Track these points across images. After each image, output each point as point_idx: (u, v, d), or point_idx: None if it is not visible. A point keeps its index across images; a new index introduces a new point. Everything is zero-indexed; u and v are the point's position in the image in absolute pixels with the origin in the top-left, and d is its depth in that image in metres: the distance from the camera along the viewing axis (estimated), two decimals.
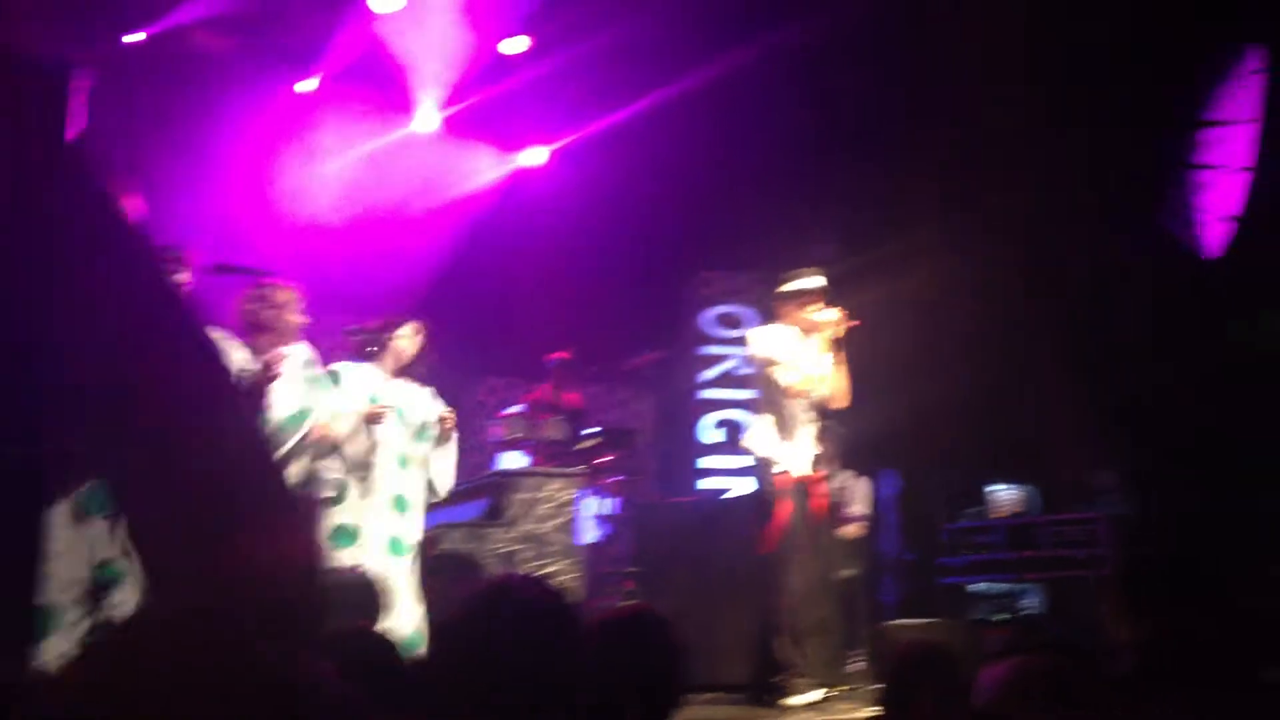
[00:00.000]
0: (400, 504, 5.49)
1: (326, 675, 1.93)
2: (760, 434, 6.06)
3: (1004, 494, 9.00)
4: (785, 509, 5.84)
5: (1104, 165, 9.73)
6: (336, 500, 5.28)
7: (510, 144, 10.26)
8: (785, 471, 5.92)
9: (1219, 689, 2.80)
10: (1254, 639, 3.23)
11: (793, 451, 6.01)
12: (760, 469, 6.00)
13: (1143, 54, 9.47)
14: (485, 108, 9.81)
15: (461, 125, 9.90)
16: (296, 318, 5.18)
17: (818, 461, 6.12)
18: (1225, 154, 9.86)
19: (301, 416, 5.21)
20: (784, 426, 6.02)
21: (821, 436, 6.23)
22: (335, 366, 5.44)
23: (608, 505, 8.19)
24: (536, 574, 5.68)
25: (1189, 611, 3.32)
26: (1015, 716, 2.41)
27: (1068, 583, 8.28)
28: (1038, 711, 2.40)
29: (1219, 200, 9.87)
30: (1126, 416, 9.82)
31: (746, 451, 6.17)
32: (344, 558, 5.14)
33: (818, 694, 5.71)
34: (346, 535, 5.33)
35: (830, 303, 6.10)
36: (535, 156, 10.26)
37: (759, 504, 5.94)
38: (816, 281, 6.10)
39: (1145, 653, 3.39)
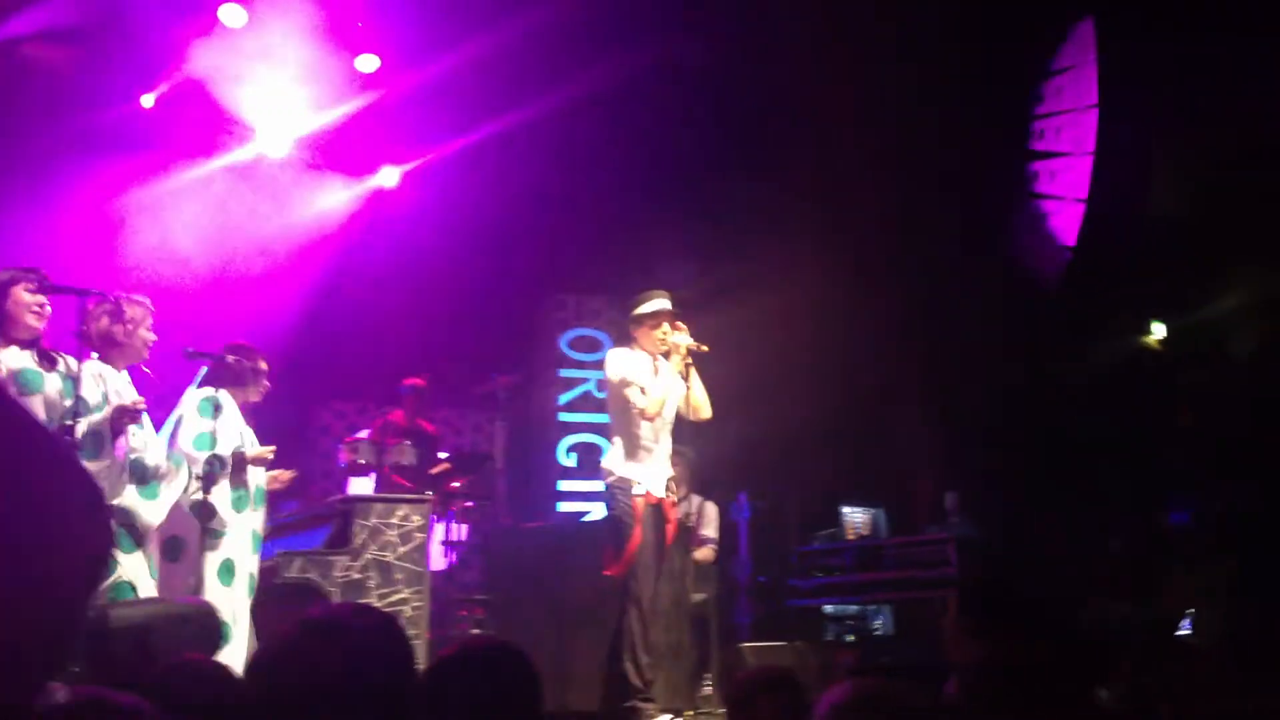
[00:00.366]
0: (256, 539, 5.44)
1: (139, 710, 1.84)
2: (615, 456, 6.07)
3: (854, 516, 9.16)
4: (639, 532, 5.84)
5: (951, 193, 10.03)
6: (221, 534, 5.24)
7: (362, 165, 10.10)
8: (645, 493, 5.93)
9: (1051, 710, 2.86)
10: (1085, 661, 3.33)
11: (646, 474, 6.02)
12: (614, 492, 5.99)
13: (984, 78, 9.80)
14: (335, 128, 9.65)
15: (311, 145, 9.72)
16: (148, 334, 5.10)
17: (670, 485, 6.13)
18: (1064, 185, 10.24)
19: (208, 442, 5.25)
20: (637, 449, 6.03)
21: (673, 460, 6.26)
22: (212, 393, 5.45)
23: (458, 531, 8.11)
24: (382, 603, 5.60)
25: (1023, 633, 3.40)
26: None
27: (916, 604, 8.44)
28: None
29: (1058, 230, 10.24)
30: (974, 440, 10.11)
31: (602, 474, 6.15)
32: (221, 596, 5.07)
33: (666, 719, 5.71)
34: (227, 572, 5.23)
35: (680, 325, 6.14)
36: (387, 178, 10.11)
37: (613, 527, 5.92)
38: (661, 304, 6.15)
39: (980, 674, 3.47)
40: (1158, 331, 11.30)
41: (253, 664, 1.88)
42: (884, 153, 9.88)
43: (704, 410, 6.22)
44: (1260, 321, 10.17)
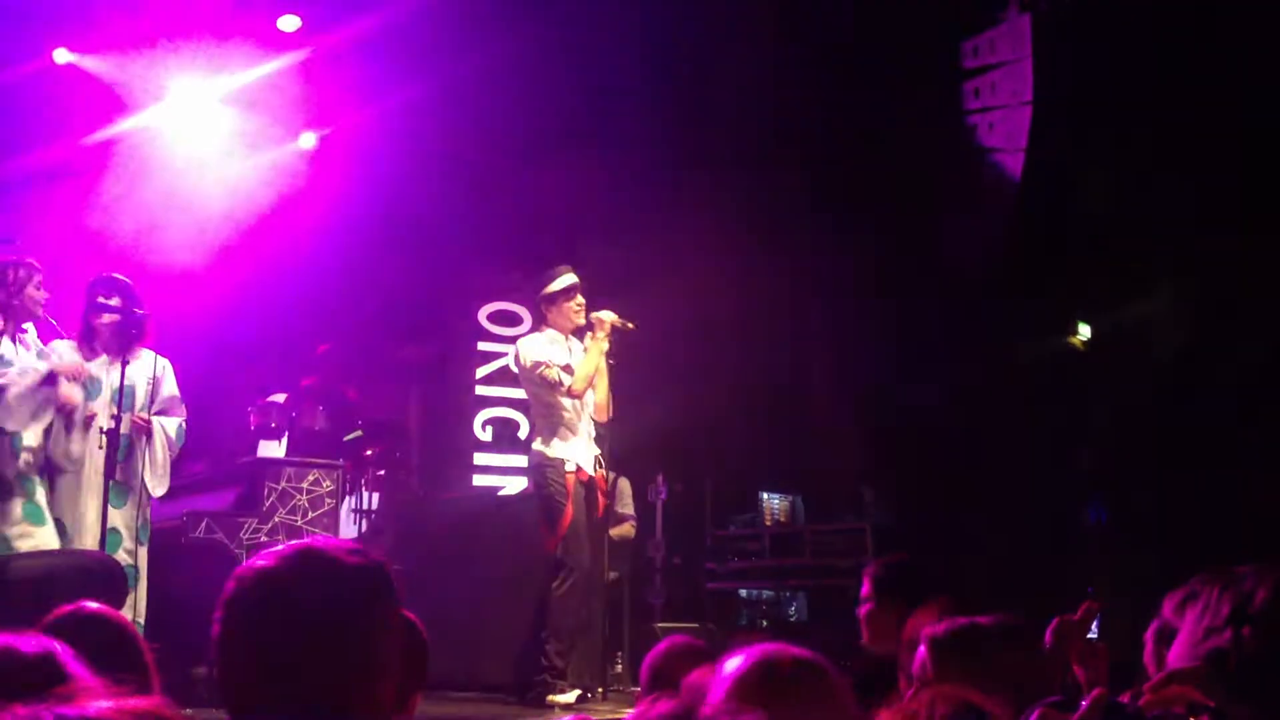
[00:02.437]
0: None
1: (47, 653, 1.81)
2: (541, 438, 6.13)
3: (772, 502, 9.29)
4: (570, 510, 5.92)
5: (877, 178, 10.19)
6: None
7: (281, 129, 9.99)
8: (576, 469, 6.01)
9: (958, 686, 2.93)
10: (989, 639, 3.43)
11: (574, 452, 6.10)
12: (546, 471, 6.06)
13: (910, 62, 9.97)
14: (254, 90, 9.56)
15: (229, 106, 9.60)
16: (36, 293, 5.05)
17: (599, 461, 6.22)
18: (994, 175, 10.44)
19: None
20: (562, 428, 6.10)
21: (595, 436, 6.34)
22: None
23: (369, 500, 8.10)
24: None
25: (930, 617, 3.51)
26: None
27: (831, 591, 8.60)
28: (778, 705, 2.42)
29: (987, 220, 10.44)
30: (894, 431, 10.29)
31: (528, 450, 6.22)
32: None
33: (573, 695, 5.79)
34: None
35: (597, 302, 6.22)
36: (305, 141, 10.02)
37: (546, 506, 5.99)
38: (570, 279, 6.22)
39: (887, 648, 3.58)
40: (1083, 332, 11.59)
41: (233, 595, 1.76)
42: (810, 138, 10.04)
43: (604, 411, 6.27)
44: (1185, 323, 10.47)
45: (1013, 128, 10.29)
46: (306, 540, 1.79)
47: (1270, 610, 1.69)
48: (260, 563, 1.74)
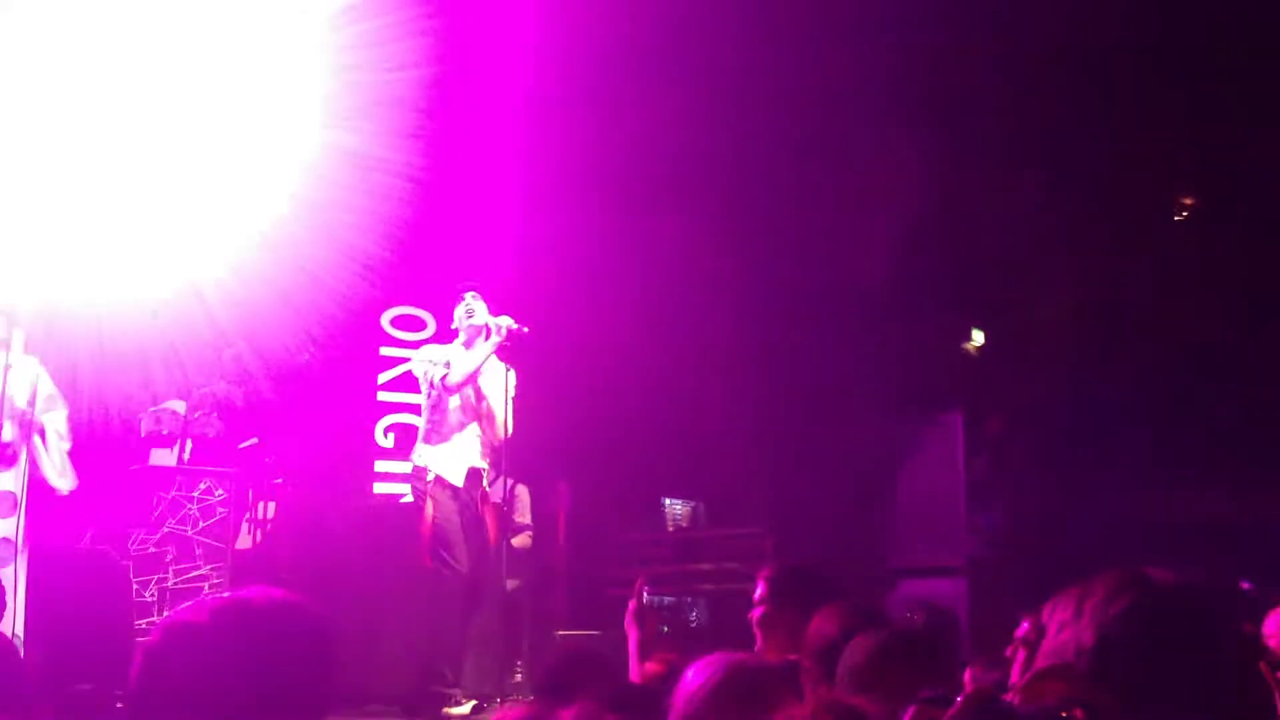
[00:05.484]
0: None
1: None
2: (418, 442, 6.09)
3: (675, 508, 9.33)
4: (432, 518, 5.87)
5: (776, 191, 10.30)
6: None
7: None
8: (436, 478, 5.96)
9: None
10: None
11: (443, 460, 6.04)
12: (414, 479, 6.03)
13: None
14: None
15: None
16: None
17: (477, 474, 6.16)
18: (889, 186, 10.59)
19: None
20: (437, 434, 6.06)
21: (484, 447, 6.29)
22: None
23: (266, 508, 7.98)
24: (179, 579, 5.49)
25: (829, 616, 3.54)
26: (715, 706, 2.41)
27: (732, 596, 8.65)
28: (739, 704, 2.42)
29: (883, 229, 10.59)
30: (793, 437, 10.40)
31: (414, 457, 6.17)
32: None
33: (468, 706, 5.75)
34: None
35: (498, 311, 6.20)
36: None
37: (416, 514, 5.96)
38: (480, 308, 6.20)
39: (781, 651, 3.61)
40: (977, 338, 11.82)
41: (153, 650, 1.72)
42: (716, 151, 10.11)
43: (500, 429, 6.23)
44: (1073, 328, 10.72)
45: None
46: (238, 594, 1.78)
47: (1127, 604, 1.75)
48: (191, 617, 1.73)
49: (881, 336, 10.73)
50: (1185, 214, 11.12)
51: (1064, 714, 1.73)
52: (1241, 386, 10.06)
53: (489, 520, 6.15)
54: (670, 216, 9.94)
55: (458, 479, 6.02)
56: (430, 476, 5.95)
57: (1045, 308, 10.88)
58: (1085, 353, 10.59)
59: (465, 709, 5.71)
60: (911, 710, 1.79)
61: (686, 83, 9.56)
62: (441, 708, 5.70)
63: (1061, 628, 1.81)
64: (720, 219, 10.22)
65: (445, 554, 5.83)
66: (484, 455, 6.24)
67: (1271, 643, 4.10)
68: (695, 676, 2.43)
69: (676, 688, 2.46)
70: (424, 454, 6.02)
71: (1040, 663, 1.80)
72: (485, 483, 6.19)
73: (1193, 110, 9.71)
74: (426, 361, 6.09)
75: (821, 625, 3.36)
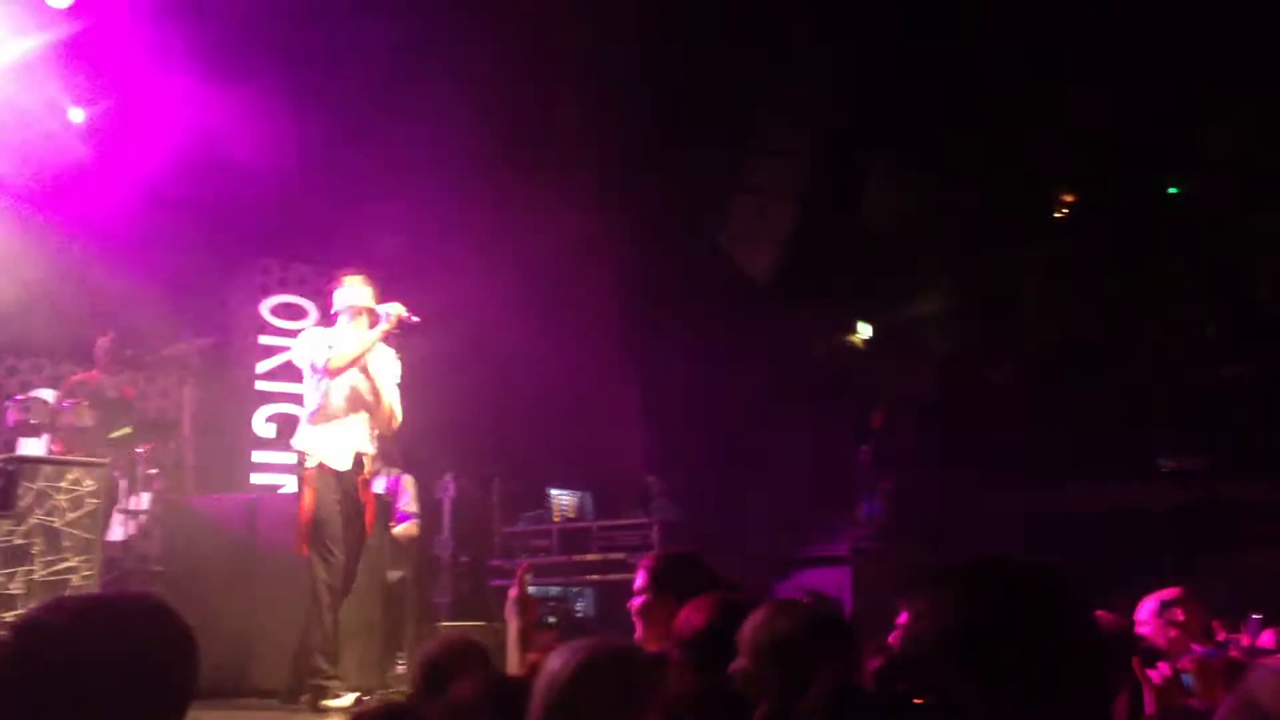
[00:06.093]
0: None
1: None
2: (301, 427, 6.04)
3: (561, 499, 9.37)
4: (312, 504, 5.83)
5: (667, 181, 10.39)
6: None
7: (48, 104, 9.56)
8: (319, 464, 5.91)
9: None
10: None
11: (325, 445, 6.00)
12: (298, 465, 5.98)
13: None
14: (18, 63, 9.15)
15: None
16: None
17: (363, 457, 6.13)
18: (777, 182, 10.76)
19: None
20: (321, 419, 6.01)
21: (370, 433, 6.25)
22: None
23: (139, 500, 7.84)
24: (46, 571, 5.39)
25: (702, 610, 3.60)
26: (569, 697, 2.42)
27: (618, 586, 8.72)
28: (606, 692, 2.44)
29: (772, 225, 10.75)
30: (678, 426, 10.52)
31: (295, 446, 6.11)
32: None
33: (350, 698, 5.72)
34: None
35: (385, 298, 6.16)
36: (74, 116, 9.61)
37: (295, 502, 5.91)
38: (365, 291, 6.15)
39: (659, 640, 3.66)
40: (863, 331, 12.06)
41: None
42: (606, 136, 10.16)
43: (387, 421, 6.22)
44: (957, 323, 11.00)
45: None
46: (96, 594, 1.81)
47: (984, 592, 1.82)
48: (40, 617, 1.74)
49: (770, 327, 10.90)
50: (1064, 211, 11.45)
51: (916, 700, 1.81)
52: (1109, 385, 10.42)
53: (368, 508, 6.12)
54: (557, 206, 9.97)
55: (342, 464, 5.98)
56: (312, 462, 5.90)
57: (929, 302, 11.14)
58: (966, 347, 10.87)
59: (347, 700, 5.68)
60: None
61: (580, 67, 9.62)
62: (320, 700, 5.66)
63: (920, 617, 1.89)
64: (609, 206, 10.28)
65: (324, 543, 5.79)
66: (371, 442, 6.21)
67: (1142, 630, 4.24)
68: (557, 661, 2.46)
69: (540, 674, 2.48)
70: (306, 439, 5.96)
71: (901, 650, 1.87)
72: (366, 469, 6.15)
73: (1070, 107, 10.02)
74: (309, 345, 6.03)
75: (690, 615, 3.41)
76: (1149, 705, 3.08)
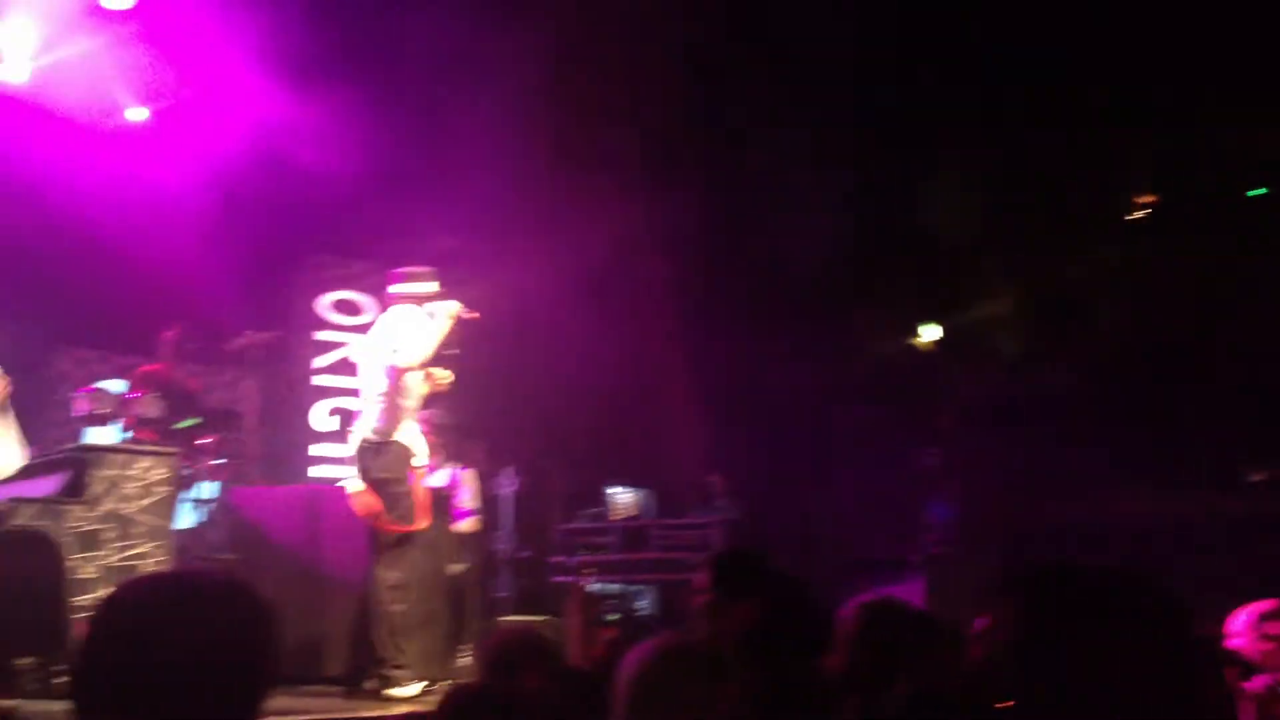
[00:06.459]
0: None
1: None
2: (386, 422, 6.13)
3: (620, 497, 9.43)
4: (374, 498, 5.95)
5: (715, 181, 10.40)
6: None
7: (110, 104, 9.78)
8: (388, 460, 6.03)
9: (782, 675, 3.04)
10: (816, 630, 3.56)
11: (413, 442, 6.13)
12: (385, 458, 6.07)
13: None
14: (83, 62, 9.37)
15: (53, 80, 9.36)
16: None
17: (424, 453, 6.25)
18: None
19: None
20: (394, 417, 6.12)
21: (432, 428, 6.38)
22: None
23: (206, 489, 8.00)
24: (119, 556, 5.52)
25: (767, 602, 3.63)
26: (652, 692, 2.48)
27: (679, 585, 8.76)
28: (668, 687, 2.49)
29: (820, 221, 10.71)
30: (740, 427, 10.53)
31: (354, 440, 6.22)
32: None
33: (417, 688, 5.82)
34: None
35: (446, 296, 6.25)
36: (136, 114, 9.83)
37: (385, 493, 6.01)
38: (430, 286, 6.25)
39: (727, 639, 3.69)
40: (930, 334, 11.99)
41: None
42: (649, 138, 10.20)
43: (441, 384, 6.35)
44: (1026, 325, 10.91)
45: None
46: (182, 571, 1.82)
47: (1050, 601, 1.83)
48: (135, 593, 1.77)
49: (834, 327, 10.88)
50: (1143, 213, 11.31)
51: (997, 705, 1.82)
52: (1193, 388, 10.26)
53: (426, 502, 6.23)
54: (615, 203, 10.01)
55: (420, 460, 6.13)
56: (416, 462, 6.05)
57: (999, 304, 11.07)
58: (1037, 349, 10.77)
59: (414, 690, 5.78)
60: None
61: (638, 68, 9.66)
62: (385, 688, 5.77)
63: (996, 624, 1.90)
64: (667, 204, 10.30)
65: (388, 534, 5.92)
66: (427, 438, 6.35)
67: (1234, 642, 4.18)
68: (633, 658, 2.51)
69: (618, 671, 2.53)
70: (373, 435, 6.07)
71: (979, 657, 1.89)
72: (424, 459, 6.28)
73: (1152, 108, 9.90)
74: (375, 342, 6.13)
75: (745, 612, 3.44)
76: (1245, 717, 3.04)
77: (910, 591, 8.22)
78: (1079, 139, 10.17)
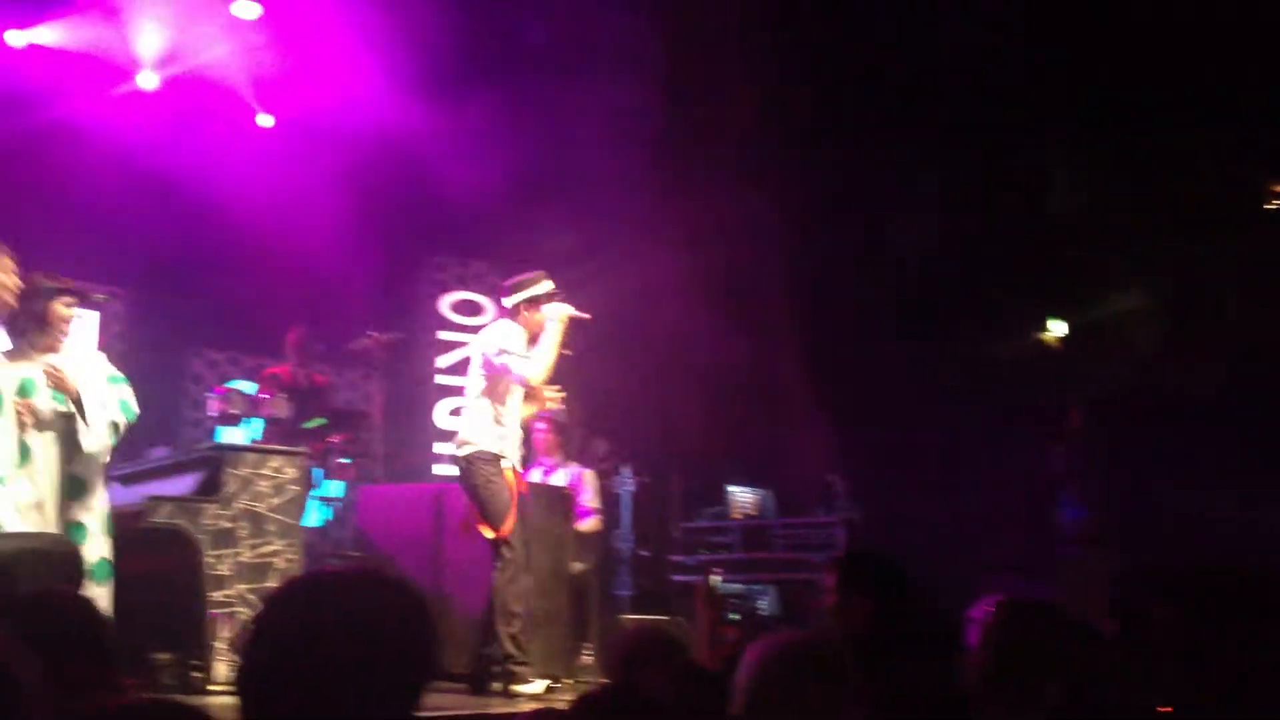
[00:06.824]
0: None
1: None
2: (480, 426, 6.23)
3: (741, 495, 9.42)
4: (490, 496, 6.05)
5: (836, 173, 10.32)
6: None
7: (240, 109, 10.07)
8: (496, 458, 6.13)
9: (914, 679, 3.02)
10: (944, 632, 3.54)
11: (509, 447, 6.25)
12: (480, 463, 6.18)
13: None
14: (211, 71, 9.69)
15: (186, 86, 9.68)
16: (6, 279, 4.96)
17: (515, 457, 6.35)
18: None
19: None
20: (502, 421, 6.22)
21: (553, 427, 6.48)
22: None
23: (332, 488, 8.19)
24: (253, 553, 5.68)
25: (892, 604, 3.62)
26: (773, 689, 2.49)
27: (801, 585, 8.73)
28: (789, 684, 2.51)
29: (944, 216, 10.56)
30: (863, 426, 10.44)
31: (458, 443, 6.35)
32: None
33: (541, 685, 5.91)
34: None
35: (561, 297, 6.32)
36: (261, 120, 10.12)
37: (487, 495, 6.12)
38: (545, 286, 6.33)
39: (855, 640, 3.69)
40: (1056, 328, 11.77)
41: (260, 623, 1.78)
42: (770, 139, 10.16)
43: (541, 387, 6.42)
44: (1162, 321, 10.65)
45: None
46: (344, 568, 1.83)
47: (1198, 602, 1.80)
48: (291, 589, 1.84)
49: (955, 322, 10.74)
50: (1277, 202, 10.97)
51: (1161, 710, 1.80)
52: None
53: (529, 499, 6.34)
54: (730, 197, 9.99)
55: (518, 464, 6.27)
56: (507, 465, 6.14)
57: (1129, 298, 10.83)
58: (1169, 345, 10.51)
59: (537, 687, 5.87)
60: None
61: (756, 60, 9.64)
62: (510, 685, 5.87)
63: (1153, 626, 1.87)
64: (784, 198, 10.26)
65: (514, 536, 6.02)
66: (548, 437, 6.45)
67: None
68: (752, 657, 2.53)
69: (739, 667, 2.55)
70: (494, 441, 6.19)
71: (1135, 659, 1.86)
72: (530, 458, 6.40)
73: None
74: (508, 350, 6.21)
75: (868, 612, 3.43)
76: None
77: (1038, 594, 8.09)
78: (1212, 125, 9.90)
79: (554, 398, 6.48)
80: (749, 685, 2.51)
